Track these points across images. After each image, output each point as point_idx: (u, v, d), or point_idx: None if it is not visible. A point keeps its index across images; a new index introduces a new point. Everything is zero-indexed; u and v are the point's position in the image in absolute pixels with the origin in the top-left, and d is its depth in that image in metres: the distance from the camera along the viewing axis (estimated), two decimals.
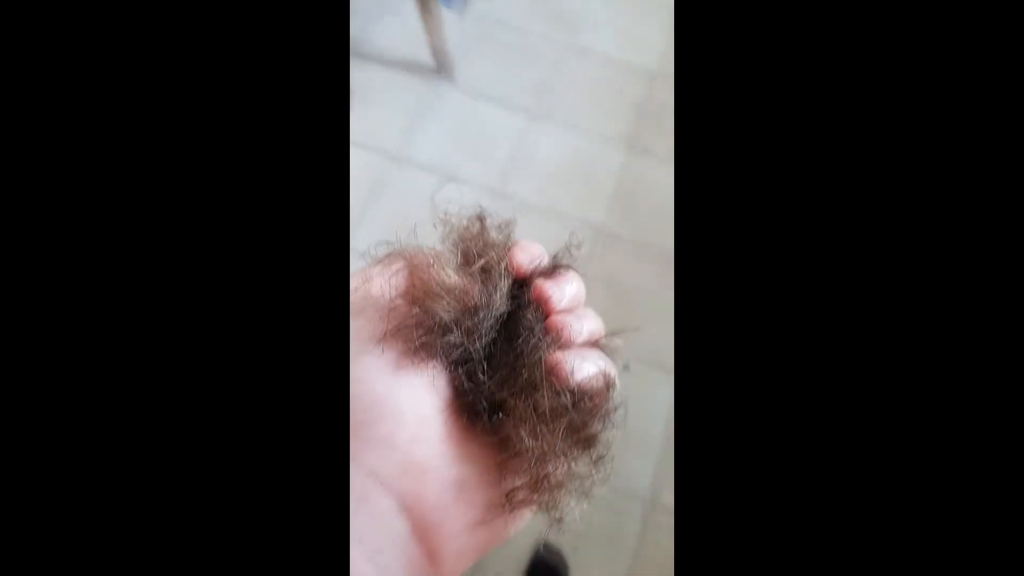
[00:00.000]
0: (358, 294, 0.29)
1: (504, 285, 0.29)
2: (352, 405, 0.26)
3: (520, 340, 0.29)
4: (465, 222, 0.30)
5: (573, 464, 0.27)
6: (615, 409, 0.28)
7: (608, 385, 0.28)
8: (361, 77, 1.80)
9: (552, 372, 0.27)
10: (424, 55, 1.81)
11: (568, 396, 0.27)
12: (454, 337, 0.27)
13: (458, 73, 1.84)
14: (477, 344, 0.28)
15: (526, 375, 0.28)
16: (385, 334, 0.27)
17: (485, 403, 0.28)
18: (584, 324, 0.29)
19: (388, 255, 0.29)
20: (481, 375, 0.28)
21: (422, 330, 0.27)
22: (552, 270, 0.30)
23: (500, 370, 0.28)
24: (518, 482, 0.28)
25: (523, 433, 0.27)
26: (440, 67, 1.81)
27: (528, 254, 0.30)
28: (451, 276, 0.28)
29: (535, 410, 0.27)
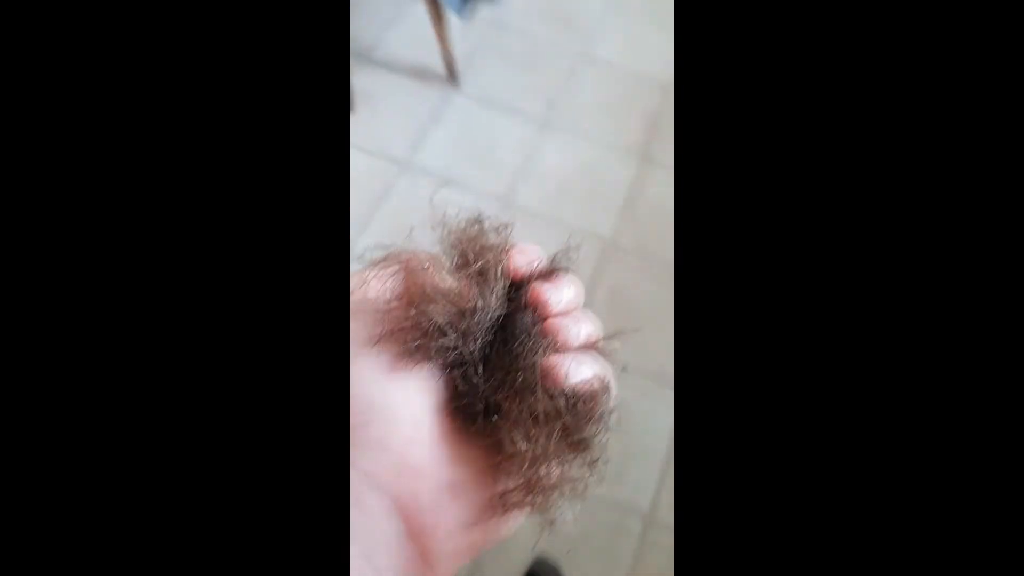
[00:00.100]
0: (354, 296, 0.29)
1: (500, 288, 0.29)
2: None
3: (516, 343, 0.29)
4: (462, 224, 0.30)
5: (567, 467, 0.27)
6: (611, 412, 0.28)
7: (604, 389, 0.28)
8: (371, 82, 1.82)
9: (547, 375, 0.28)
10: (434, 62, 1.82)
11: (563, 399, 0.27)
12: (449, 339, 0.27)
13: (467, 80, 1.85)
14: (472, 346, 0.28)
15: (521, 378, 0.28)
16: (380, 336, 0.27)
17: (480, 405, 0.28)
18: (581, 327, 0.29)
19: (384, 258, 0.29)
20: (476, 377, 0.28)
21: (417, 332, 0.27)
22: (550, 273, 0.30)
23: (496, 372, 0.28)
24: (512, 484, 0.28)
25: (517, 436, 0.27)
26: (450, 75, 1.82)
27: (525, 257, 0.30)
28: (447, 279, 0.28)
29: (530, 413, 0.27)
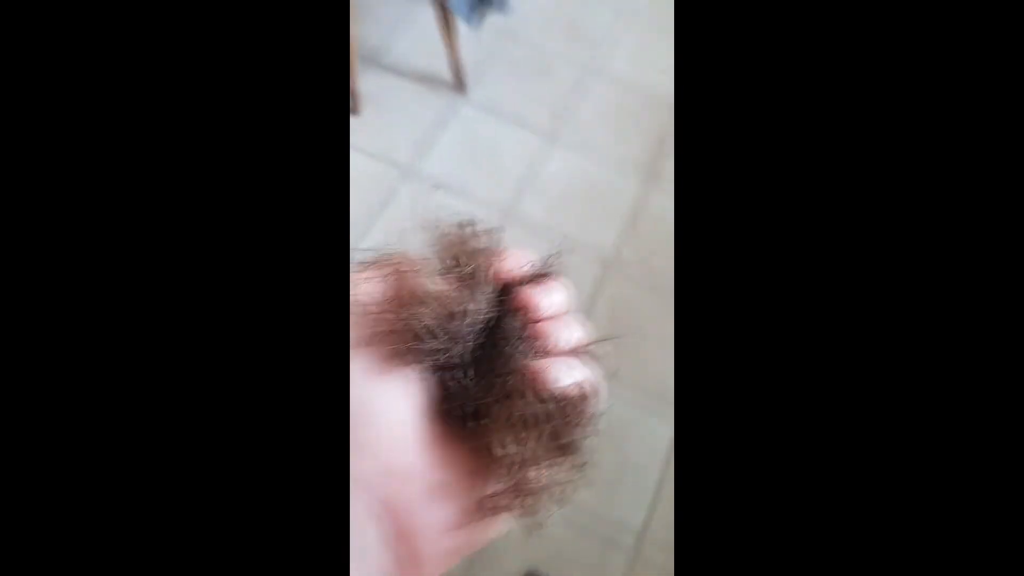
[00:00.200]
0: None
1: (489, 291, 0.29)
2: None
3: (504, 346, 0.29)
4: (452, 228, 0.30)
5: (554, 471, 0.27)
6: (598, 416, 0.28)
7: (592, 393, 0.28)
8: (378, 86, 1.82)
9: (535, 379, 0.28)
10: (442, 69, 1.82)
11: (551, 403, 0.27)
12: (437, 343, 0.28)
13: (475, 89, 1.85)
14: (460, 350, 0.28)
15: (509, 381, 0.28)
16: (368, 339, 0.28)
17: (468, 408, 0.28)
18: (570, 332, 0.29)
19: (374, 261, 0.29)
20: (464, 380, 0.28)
21: (405, 335, 0.27)
22: (539, 277, 0.30)
23: (484, 376, 0.29)
24: (499, 487, 0.28)
25: (504, 439, 0.27)
26: (458, 82, 1.83)
27: (514, 261, 0.30)
28: (435, 282, 0.28)
29: (517, 416, 0.27)
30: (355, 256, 0.29)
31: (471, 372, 0.29)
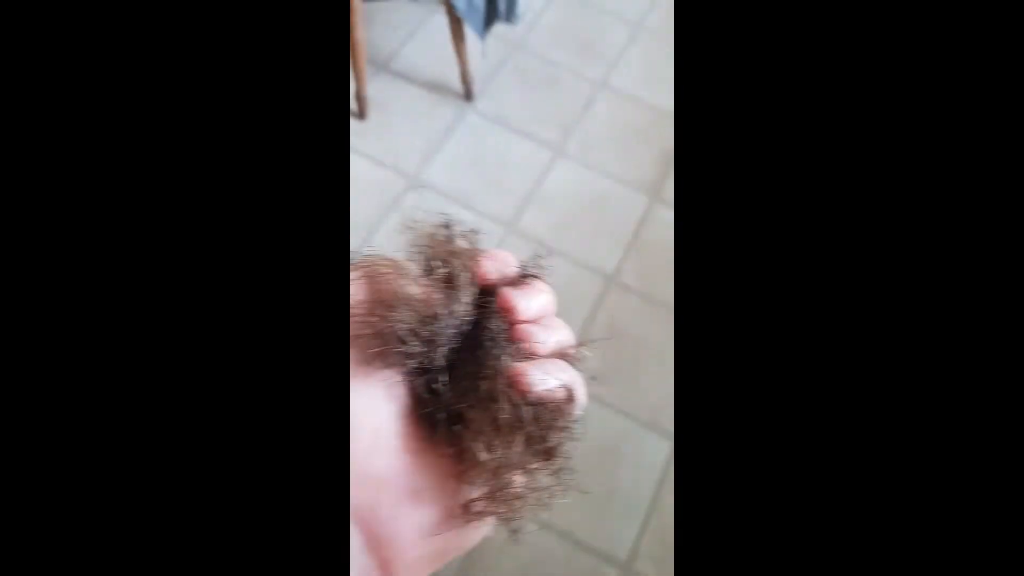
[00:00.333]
0: None
1: (468, 294, 0.28)
2: None
3: (484, 349, 0.28)
4: (430, 230, 0.29)
5: (532, 476, 0.27)
6: (577, 421, 0.28)
7: (571, 398, 0.28)
8: (386, 92, 1.83)
9: (513, 382, 0.27)
10: (451, 78, 1.83)
11: (528, 408, 0.27)
12: (412, 347, 0.27)
13: (483, 99, 1.86)
14: (436, 354, 0.28)
15: (487, 385, 0.27)
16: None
17: (444, 413, 0.28)
18: (551, 334, 0.29)
19: (353, 263, 0.29)
20: (440, 385, 0.28)
21: (379, 339, 0.27)
22: (520, 280, 0.29)
23: (461, 380, 0.28)
24: (476, 493, 0.27)
25: (481, 444, 0.27)
26: (466, 92, 1.83)
27: (495, 263, 0.29)
28: (410, 285, 0.28)
29: (494, 421, 0.27)
30: (353, 259, 0.29)
31: (449, 376, 0.28)
